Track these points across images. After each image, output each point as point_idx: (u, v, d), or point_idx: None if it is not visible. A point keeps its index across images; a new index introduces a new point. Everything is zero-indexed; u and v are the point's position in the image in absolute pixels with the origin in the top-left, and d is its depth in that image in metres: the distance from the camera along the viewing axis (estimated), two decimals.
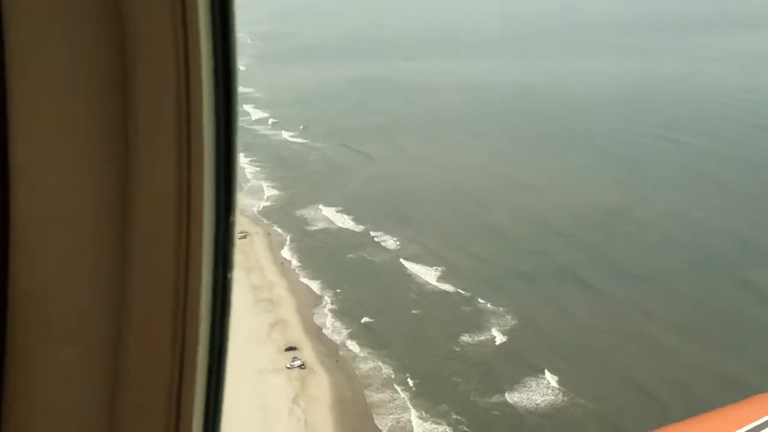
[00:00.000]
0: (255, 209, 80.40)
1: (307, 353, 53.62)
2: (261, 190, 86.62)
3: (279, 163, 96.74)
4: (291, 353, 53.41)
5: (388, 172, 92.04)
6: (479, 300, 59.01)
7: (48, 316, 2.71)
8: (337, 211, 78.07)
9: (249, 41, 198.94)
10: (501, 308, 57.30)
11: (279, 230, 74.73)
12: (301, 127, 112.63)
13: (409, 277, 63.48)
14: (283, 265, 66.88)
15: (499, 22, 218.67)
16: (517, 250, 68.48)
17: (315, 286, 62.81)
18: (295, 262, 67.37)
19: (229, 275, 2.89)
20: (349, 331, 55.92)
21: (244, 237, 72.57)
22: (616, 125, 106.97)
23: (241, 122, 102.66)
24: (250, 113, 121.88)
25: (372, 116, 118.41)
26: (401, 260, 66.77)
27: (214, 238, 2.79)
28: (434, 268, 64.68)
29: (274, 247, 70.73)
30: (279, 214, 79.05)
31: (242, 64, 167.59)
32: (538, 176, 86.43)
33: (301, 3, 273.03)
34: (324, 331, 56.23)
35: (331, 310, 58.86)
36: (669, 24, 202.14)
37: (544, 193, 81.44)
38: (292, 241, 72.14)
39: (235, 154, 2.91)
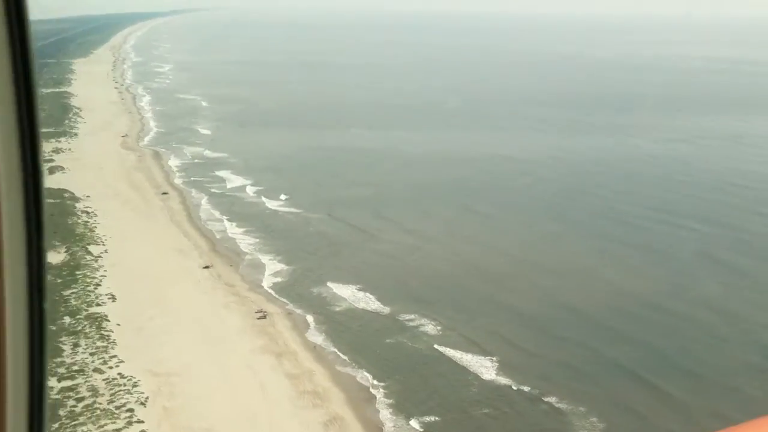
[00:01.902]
0: (265, 285, 74.38)
1: None
2: (263, 264, 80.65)
3: (273, 235, 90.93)
4: None
5: (389, 248, 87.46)
6: (547, 399, 54.36)
7: None
8: (358, 290, 72.73)
9: (204, 104, 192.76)
10: (581, 408, 52.70)
11: (298, 310, 68.83)
12: (283, 197, 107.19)
13: (464, 370, 58.34)
14: (316, 351, 60.95)
15: (450, 95, 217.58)
16: (560, 340, 64.44)
17: (360, 377, 57.08)
18: (329, 348, 61.54)
19: (43, 305, 2.94)
20: None
21: (264, 317, 66.53)
22: (610, 206, 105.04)
23: (221, 189, 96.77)
24: (228, 179, 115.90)
25: (354, 187, 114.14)
26: (443, 348, 61.76)
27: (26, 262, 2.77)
28: (488, 359, 59.81)
29: (300, 330, 64.73)
30: (293, 291, 73.19)
31: (206, 128, 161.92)
32: (553, 259, 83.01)
33: (247, 70, 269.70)
34: None
35: (387, 406, 53.20)
36: (612, 102, 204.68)
37: (566, 279, 77.94)
38: (317, 323, 66.33)
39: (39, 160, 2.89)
